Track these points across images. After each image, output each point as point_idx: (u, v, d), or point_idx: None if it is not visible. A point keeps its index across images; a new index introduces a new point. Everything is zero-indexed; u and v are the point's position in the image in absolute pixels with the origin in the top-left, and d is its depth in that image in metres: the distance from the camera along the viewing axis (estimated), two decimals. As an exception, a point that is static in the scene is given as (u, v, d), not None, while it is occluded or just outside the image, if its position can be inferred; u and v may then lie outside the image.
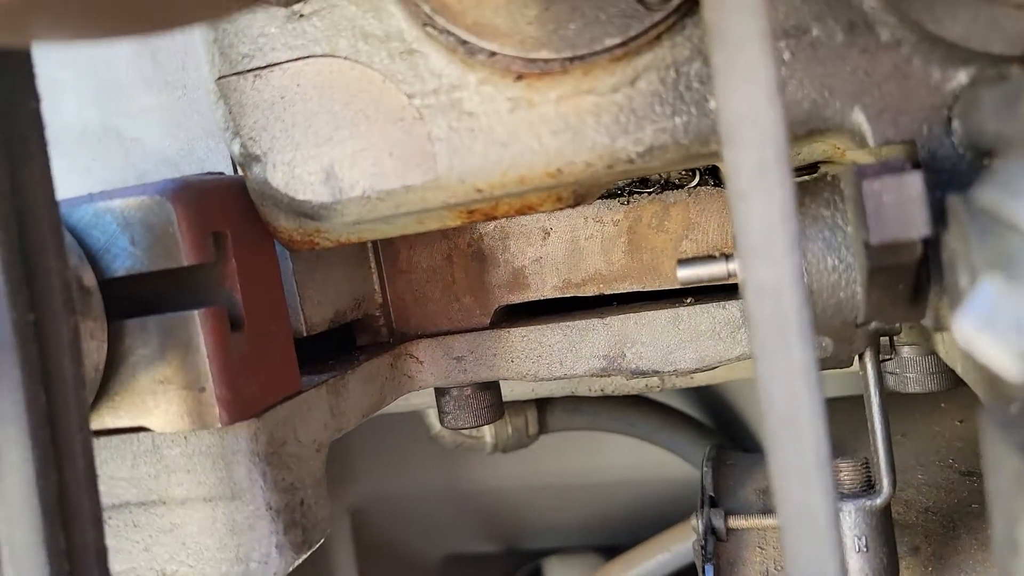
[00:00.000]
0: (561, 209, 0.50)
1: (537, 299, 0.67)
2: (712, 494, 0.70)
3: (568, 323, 0.65)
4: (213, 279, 0.48)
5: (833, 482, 0.31)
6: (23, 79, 0.39)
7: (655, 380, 0.80)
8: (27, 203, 0.40)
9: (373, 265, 0.68)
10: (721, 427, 1.29)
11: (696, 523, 0.67)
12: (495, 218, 0.50)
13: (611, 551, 1.32)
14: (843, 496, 0.53)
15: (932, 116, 0.37)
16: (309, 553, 0.52)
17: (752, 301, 0.30)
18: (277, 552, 0.49)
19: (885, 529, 0.52)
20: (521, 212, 0.49)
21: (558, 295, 0.67)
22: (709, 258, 0.45)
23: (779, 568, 0.65)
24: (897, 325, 0.53)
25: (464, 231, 0.67)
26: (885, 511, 0.53)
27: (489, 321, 0.68)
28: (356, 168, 0.45)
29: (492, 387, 0.72)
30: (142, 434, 0.49)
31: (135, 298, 0.48)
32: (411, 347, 0.68)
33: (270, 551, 0.49)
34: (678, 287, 0.64)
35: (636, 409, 1.18)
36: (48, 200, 0.41)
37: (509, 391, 0.81)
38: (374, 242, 0.68)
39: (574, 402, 1.14)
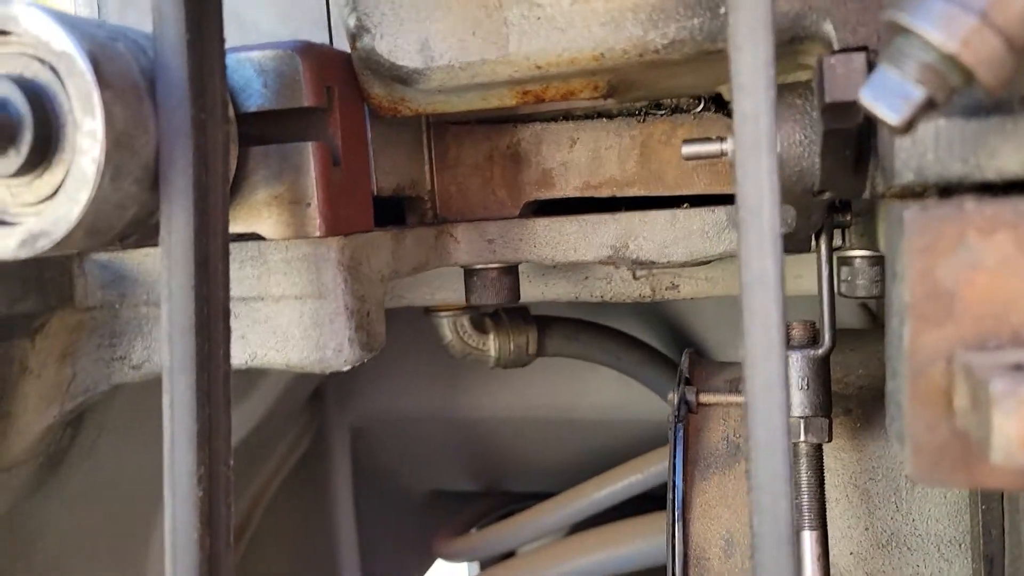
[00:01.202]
0: (596, 99, 0.63)
1: (561, 197, 0.81)
2: (688, 376, 0.83)
3: (584, 217, 0.78)
4: (322, 123, 0.62)
5: (785, 332, 0.44)
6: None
7: (647, 290, 0.93)
8: (205, 45, 0.53)
9: (426, 156, 0.82)
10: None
11: (672, 397, 0.81)
12: (543, 100, 0.63)
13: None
14: (792, 347, 0.67)
15: (881, 28, 0.51)
16: (370, 356, 0.65)
17: (738, 126, 0.44)
18: (349, 344, 0.63)
19: (823, 375, 0.66)
20: (564, 97, 0.63)
21: (578, 195, 0.80)
22: (708, 139, 0.59)
23: (737, 436, 0.79)
24: (848, 217, 0.67)
25: (505, 135, 0.81)
26: (824, 361, 0.67)
27: (518, 212, 0.81)
28: (445, 42, 0.59)
29: (512, 273, 0.85)
30: (250, 242, 0.63)
31: (260, 131, 0.61)
32: (451, 228, 0.81)
33: (344, 343, 0.62)
34: (678, 194, 0.78)
35: (623, 344, 1.31)
36: (219, 42, 0.54)
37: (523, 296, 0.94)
38: (428, 136, 0.81)
39: (571, 328, 1.27)
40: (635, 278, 0.94)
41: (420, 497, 1.91)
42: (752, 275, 0.44)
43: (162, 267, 0.52)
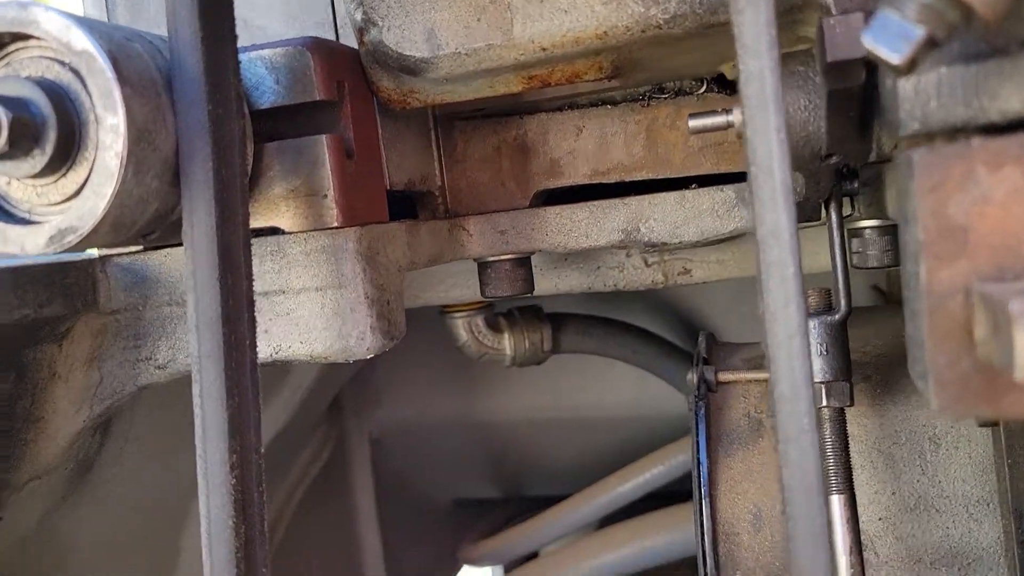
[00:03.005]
0: (600, 80, 0.64)
1: (570, 185, 0.82)
2: (705, 356, 0.84)
3: (594, 203, 0.79)
4: (334, 116, 0.63)
5: (802, 282, 0.45)
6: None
7: (660, 276, 0.94)
8: (218, 42, 0.54)
9: (435, 152, 0.83)
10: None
11: (691, 377, 0.82)
12: (549, 84, 0.64)
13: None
14: (809, 314, 0.68)
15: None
16: (392, 345, 0.66)
17: (744, 87, 0.45)
18: (371, 332, 0.64)
19: (842, 340, 0.67)
20: (570, 80, 0.64)
21: (587, 182, 0.81)
22: (713, 112, 0.60)
23: (759, 411, 0.80)
24: (856, 185, 0.68)
25: (511, 127, 0.82)
26: (841, 326, 0.67)
27: (529, 202, 0.82)
28: (451, 29, 0.60)
29: (525, 264, 0.86)
30: (270, 237, 0.64)
31: (274, 128, 0.62)
32: (463, 221, 0.82)
33: (366, 331, 0.63)
34: (685, 175, 0.79)
35: (637, 338, 1.32)
36: (232, 40, 0.55)
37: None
38: (436, 132, 0.83)
39: (585, 324, 1.28)
40: (647, 265, 0.95)
41: (442, 505, 1.91)
42: (766, 229, 0.45)
43: (186, 259, 0.53)
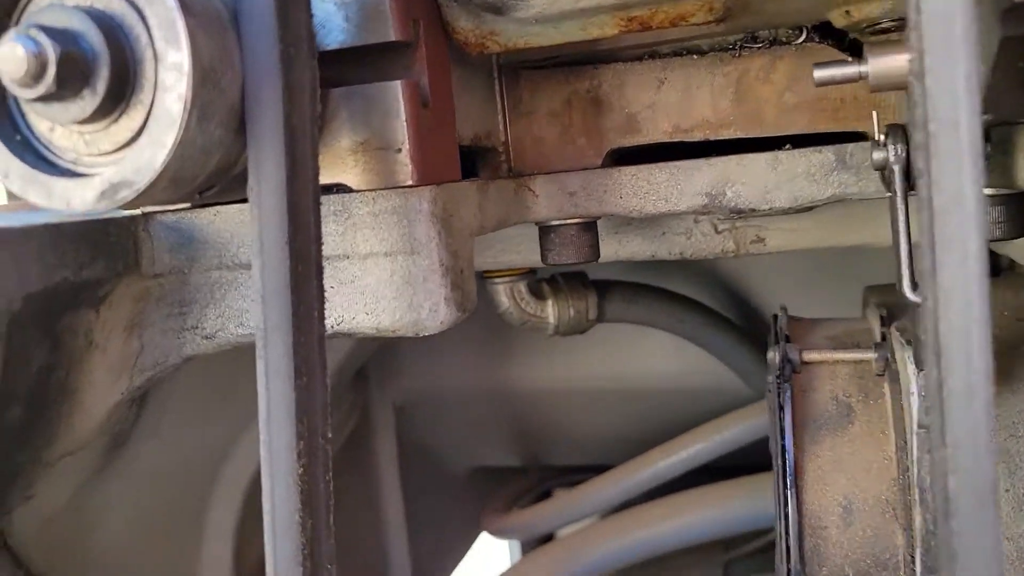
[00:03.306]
0: (707, 24, 0.57)
1: (647, 143, 0.75)
2: (787, 333, 0.78)
3: (675, 164, 0.73)
4: (408, 60, 0.56)
5: (987, 263, 0.39)
6: None
7: (731, 245, 0.87)
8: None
9: (499, 104, 0.76)
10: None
11: (772, 356, 0.75)
12: (649, 28, 0.57)
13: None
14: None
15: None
16: (464, 317, 0.60)
17: (927, 28, 0.38)
18: (445, 304, 0.57)
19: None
20: (674, 23, 0.57)
21: (667, 139, 0.74)
22: (841, 62, 0.53)
23: (848, 395, 0.74)
24: (988, 147, 0.61)
25: (584, 78, 0.75)
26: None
27: (601, 162, 0.75)
28: (548, -37, 0.53)
29: (592, 229, 0.79)
30: (334, 196, 0.57)
31: (340, 72, 0.55)
32: (529, 181, 0.76)
33: (440, 302, 0.57)
34: (777, 135, 0.72)
35: (684, 307, 1.26)
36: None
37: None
38: (500, 82, 0.75)
39: (631, 292, 1.22)
40: (717, 232, 0.88)
41: (462, 473, 1.86)
42: (946, 198, 0.38)
43: (252, 219, 0.46)
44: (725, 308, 1.41)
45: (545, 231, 0.79)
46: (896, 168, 0.60)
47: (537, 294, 1.16)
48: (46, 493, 0.68)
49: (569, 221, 0.78)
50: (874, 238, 0.84)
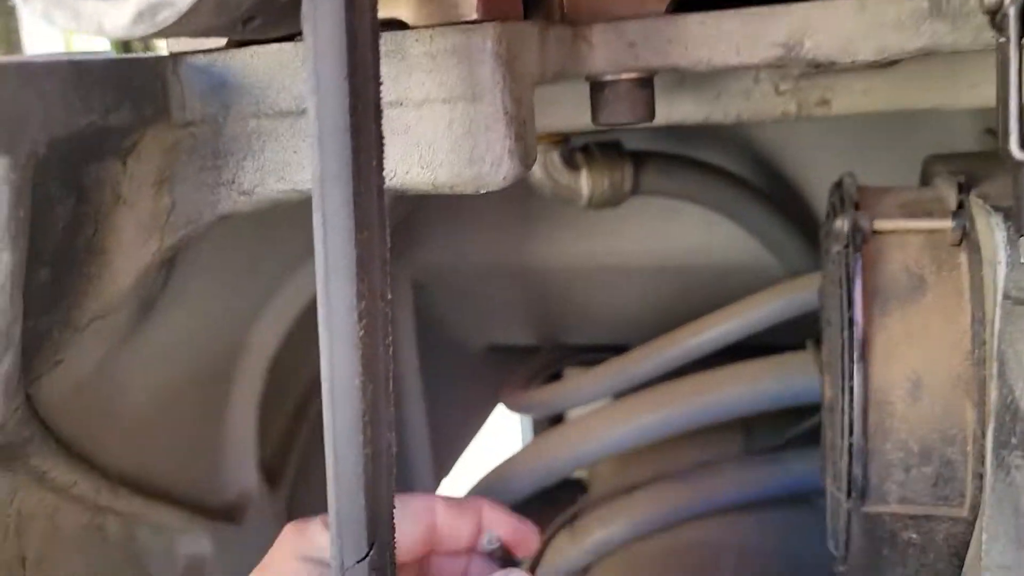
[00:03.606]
0: None
1: (717, -13, 0.68)
2: (857, 200, 0.73)
3: (748, 10, 0.66)
4: None
5: None
6: None
7: (792, 106, 0.81)
8: None
9: (555, -59, 0.68)
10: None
11: (841, 224, 0.71)
12: None
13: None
14: None
15: None
16: (525, 174, 0.55)
17: None
18: (508, 157, 0.52)
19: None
20: None
21: (739, -17, 0.67)
22: None
23: (920, 266, 0.70)
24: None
25: (650, -89, 0.67)
26: None
27: (665, 8, 0.68)
28: None
29: (648, 86, 0.73)
30: (385, 34, 0.51)
31: None
32: (583, 30, 0.69)
33: (503, 155, 0.52)
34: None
35: (721, 180, 1.21)
36: None
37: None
38: (558, -84, 0.67)
39: (668, 163, 1.16)
40: (778, 93, 0.82)
41: (481, 350, 1.85)
42: None
43: (306, 51, 0.41)
44: (760, 181, 1.35)
45: (598, 87, 0.73)
46: (1012, 10, 0.53)
47: (571, 164, 1.10)
48: (75, 359, 0.65)
49: (623, 76, 0.71)
50: (953, 99, 0.78)
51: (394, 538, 0.48)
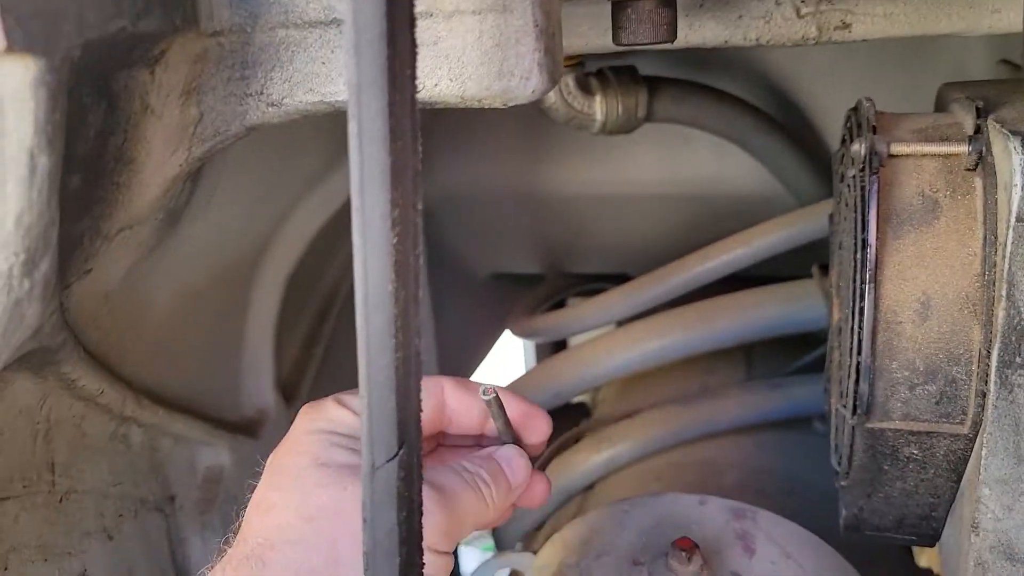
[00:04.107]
0: None
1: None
2: (875, 125, 0.73)
3: (776, -73, 0.65)
4: None
5: None
6: None
7: (813, 30, 0.81)
8: None
9: None
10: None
11: (858, 148, 0.71)
12: None
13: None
14: None
15: None
16: (553, 88, 0.55)
17: None
18: (538, 70, 0.52)
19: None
20: None
21: (767, -101, 0.66)
22: None
23: (934, 190, 0.70)
24: None
25: None
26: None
27: (691, -76, 0.68)
28: None
29: (671, 4, 0.73)
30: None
31: None
32: (609, -54, 0.68)
33: (532, 67, 0.52)
34: None
35: (735, 108, 1.20)
36: None
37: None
38: None
39: (682, 90, 1.16)
40: (799, 16, 0.81)
41: (487, 277, 1.87)
42: None
43: (344, -46, 0.41)
44: (772, 109, 1.34)
45: (619, 6, 0.72)
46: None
47: (585, 88, 1.10)
48: (103, 268, 0.66)
49: (647, -6, 0.71)
50: (975, 25, 0.78)
51: (421, 439, 0.50)
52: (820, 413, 1.23)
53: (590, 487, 1.27)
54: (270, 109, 0.57)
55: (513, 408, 0.62)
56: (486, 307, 1.91)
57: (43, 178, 0.45)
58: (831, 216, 0.97)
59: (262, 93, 0.56)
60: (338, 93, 0.55)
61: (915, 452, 0.72)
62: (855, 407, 0.70)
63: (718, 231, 1.32)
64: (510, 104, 0.53)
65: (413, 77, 0.45)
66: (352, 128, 0.44)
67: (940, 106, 0.90)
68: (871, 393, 0.70)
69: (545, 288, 1.79)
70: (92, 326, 0.73)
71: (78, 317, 0.70)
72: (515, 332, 1.64)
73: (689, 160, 1.39)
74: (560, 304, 1.87)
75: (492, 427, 0.63)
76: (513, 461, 0.60)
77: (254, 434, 1.10)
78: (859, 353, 0.69)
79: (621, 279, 1.70)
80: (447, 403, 0.62)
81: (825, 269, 1.18)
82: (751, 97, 1.32)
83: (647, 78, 1.14)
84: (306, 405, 0.59)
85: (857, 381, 0.70)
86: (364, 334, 0.48)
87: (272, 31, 0.55)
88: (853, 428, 0.72)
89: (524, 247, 1.78)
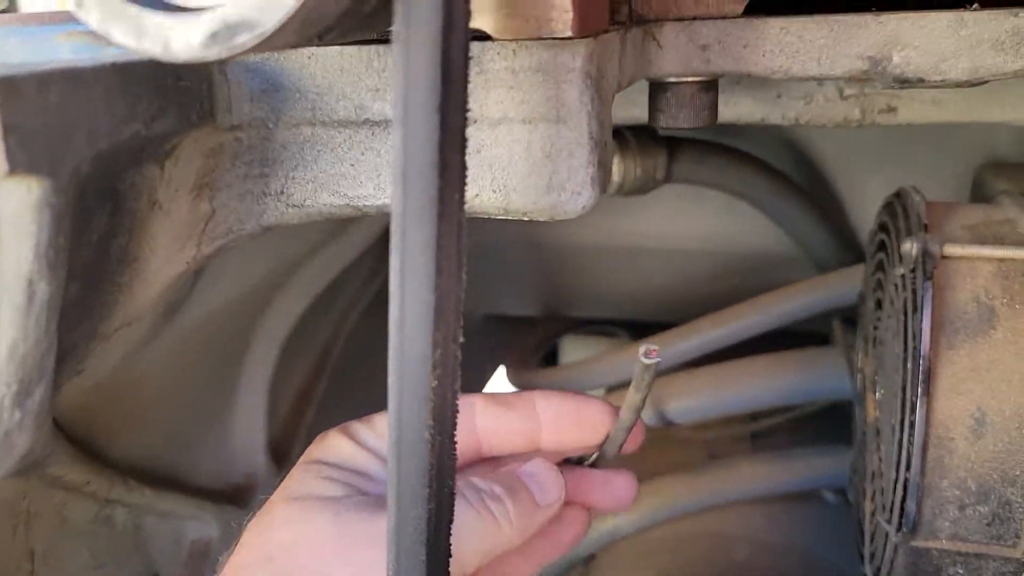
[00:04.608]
0: None
1: (800, -10, 0.63)
2: (926, 222, 0.69)
3: (835, 17, 0.61)
4: None
5: None
6: None
7: (856, 113, 0.77)
8: None
9: (627, -69, 0.63)
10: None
11: (911, 247, 0.67)
12: None
13: (647, 328, 1.33)
14: None
15: None
16: (600, 199, 0.51)
17: None
18: (590, 184, 0.48)
19: None
20: None
21: (825, -13, 0.62)
22: None
23: (990, 296, 0.66)
24: None
25: (734, -97, 0.62)
26: None
27: (742, 9, 0.63)
28: None
29: (713, 89, 0.68)
30: (462, 43, 0.46)
31: None
32: (653, 29, 0.64)
33: (585, 182, 0.47)
34: (961, -9, 0.60)
35: (756, 171, 1.16)
36: None
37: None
38: (633, -96, 0.62)
39: (702, 150, 1.12)
40: (842, 98, 0.77)
41: (478, 319, 1.82)
42: None
43: (397, 72, 0.36)
44: (786, 167, 1.30)
45: (659, 88, 0.68)
46: None
47: (602, 148, 1.05)
48: (97, 364, 0.60)
49: (687, 79, 0.66)
50: (1027, 115, 0.74)
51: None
52: (833, 487, 1.18)
53: (591, 557, 1.22)
54: (290, 210, 0.52)
55: (565, 412, 0.55)
56: (478, 347, 1.86)
57: (42, 306, 0.40)
58: (861, 295, 0.93)
59: (283, 193, 0.51)
60: (367, 197, 0.50)
61: (961, 572, 0.68)
62: (900, 524, 0.66)
63: (726, 286, 1.28)
64: (556, 219, 0.49)
65: (462, 204, 0.41)
66: (394, 262, 0.39)
67: (981, 193, 0.87)
68: (918, 511, 0.66)
69: (540, 332, 1.74)
70: (79, 415, 0.67)
71: (64, 410, 0.64)
72: (513, 382, 1.59)
73: (702, 216, 1.34)
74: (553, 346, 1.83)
75: (548, 441, 0.54)
76: (540, 476, 0.52)
77: (243, 503, 1.04)
78: (907, 469, 0.65)
79: (618, 324, 1.66)
80: (479, 428, 0.54)
81: (846, 323, 1.14)
82: (768, 155, 1.28)
83: (667, 139, 1.09)
84: (318, 437, 0.56)
85: (904, 498, 0.65)
86: (394, 480, 0.43)
87: (296, 128, 0.50)
88: (896, 545, 0.68)
89: (523, 290, 1.74)
